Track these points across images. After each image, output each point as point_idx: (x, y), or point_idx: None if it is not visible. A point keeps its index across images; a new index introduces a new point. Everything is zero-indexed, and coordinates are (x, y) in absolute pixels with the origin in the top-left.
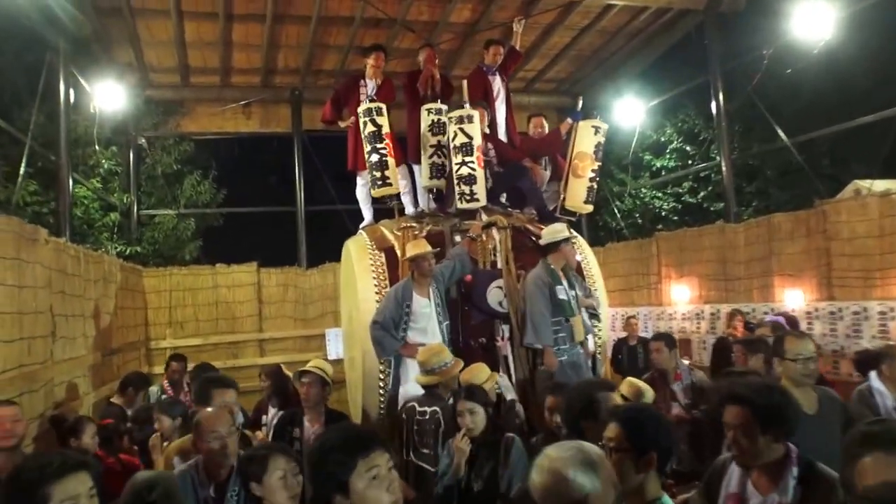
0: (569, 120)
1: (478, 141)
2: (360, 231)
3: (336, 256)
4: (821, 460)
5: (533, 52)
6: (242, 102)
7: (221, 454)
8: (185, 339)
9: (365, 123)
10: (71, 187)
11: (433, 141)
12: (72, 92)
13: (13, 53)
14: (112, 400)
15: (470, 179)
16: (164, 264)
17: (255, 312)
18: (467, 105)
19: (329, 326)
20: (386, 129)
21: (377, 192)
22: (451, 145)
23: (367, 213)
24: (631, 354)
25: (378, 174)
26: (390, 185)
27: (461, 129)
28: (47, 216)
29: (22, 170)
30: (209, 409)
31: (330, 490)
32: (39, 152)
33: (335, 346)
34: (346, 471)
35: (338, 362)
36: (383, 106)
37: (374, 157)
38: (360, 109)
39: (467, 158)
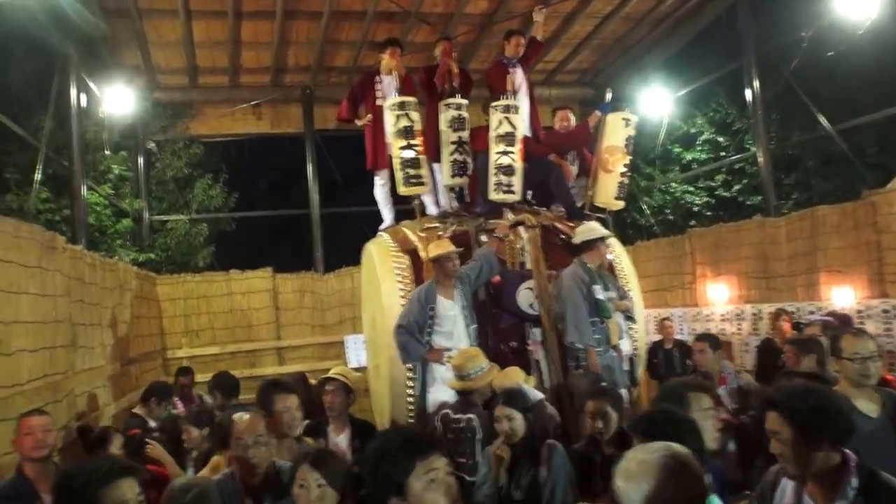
0: (597, 112)
1: (521, 133)
2: (381, 233)
3: (353, 260)
4: (884, 468)
5: (553, 42)
6: (252, 103)
7: (245, 462)
8: (201, 349)
9: (398, 117)
10: (85, 194)
11: (454, 137)
12: (82, 96)
13: (22, 58)
14: (134, 411)
15: (509, 170)
16: (177, 271)
17: (271, 320)
18: (512, 96)
19: (348, 333)
20: (419, 126)
21: (407, 191)
22: (494, 134)
23: (388, 215)
24: (667, 358)
25: (412, 171)
26: (423, 183)
27: (506, 119)
28: (59, 224)
29: (37, 176)
30: (244, 416)
31: (386, 491)
32: (52, 159)
33: (355, 353)
34: (404, 472)
35: (358, 370)
36: (415, 100)
37: (408, 154)
38: (392, 103)
39: (509, 148)
